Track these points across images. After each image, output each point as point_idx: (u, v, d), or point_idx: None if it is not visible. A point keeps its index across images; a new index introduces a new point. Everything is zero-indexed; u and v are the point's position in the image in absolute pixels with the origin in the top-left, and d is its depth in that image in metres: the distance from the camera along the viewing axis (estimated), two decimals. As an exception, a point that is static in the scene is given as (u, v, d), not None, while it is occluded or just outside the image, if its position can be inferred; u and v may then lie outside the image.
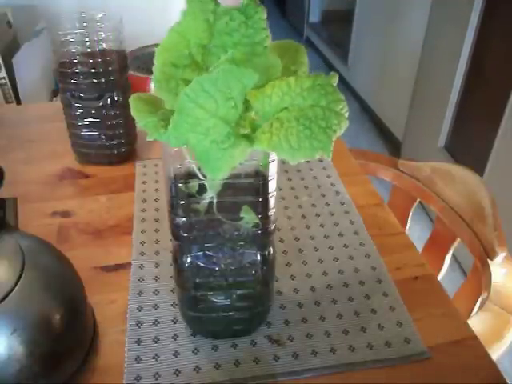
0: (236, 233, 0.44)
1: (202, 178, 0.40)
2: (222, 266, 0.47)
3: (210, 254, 0.46)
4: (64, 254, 0.51)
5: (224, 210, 0.43)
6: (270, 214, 0.44)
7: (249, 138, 0.34)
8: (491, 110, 1.57)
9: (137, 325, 0.53)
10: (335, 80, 0.34)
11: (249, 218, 0.43)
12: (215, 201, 0.42)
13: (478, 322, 0.64)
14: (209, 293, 0.48)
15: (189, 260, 0.47)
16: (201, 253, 0.46)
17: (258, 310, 0.51)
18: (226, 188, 0.42)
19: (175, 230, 0.45)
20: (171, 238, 0.47)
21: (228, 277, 0.47)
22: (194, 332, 0.53)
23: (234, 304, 0.49)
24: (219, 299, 0.49)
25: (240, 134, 0.34)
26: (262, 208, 0.44)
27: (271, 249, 0.48)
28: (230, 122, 0.33)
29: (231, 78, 0.32)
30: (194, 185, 0.42)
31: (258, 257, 0.47)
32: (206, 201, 0.42)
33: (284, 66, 0.36)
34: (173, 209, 0.44)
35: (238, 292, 0.49)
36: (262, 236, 0.46)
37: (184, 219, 0.44)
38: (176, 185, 0.42)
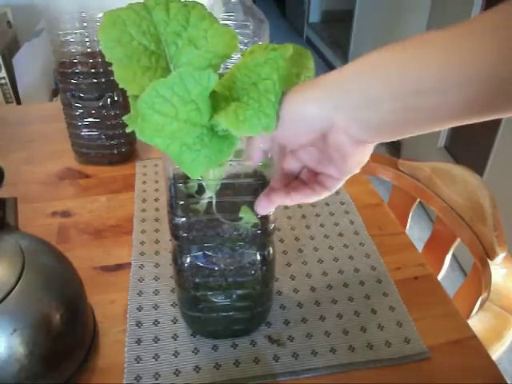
0: (235, 233, 0.44)
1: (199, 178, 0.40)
2: (222, 266, 0.47)
3: (210, 254, 0.46)
4: (64, 254, 0.51)
5: (223, 210, 0.43)
6: (269, 213, 0.44)
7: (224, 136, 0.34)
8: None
9: (137, 325, 0.53)
10: (288, 53, 0.33)
11: (248, 217, 0.43)
12: (214, 201, 0.42)
13: (477, 322, 0.64)
14: (209, 293, 0.48)
15: (188, 260, 0.47)
16: (200, 253, 0.46)
17: (258, 310, 0.51)
18: (225, 188, 0.42)
19: (175, 230, 0.45)
20: (171, 238, 0.47)
21: (228, 277, 0.47)
22: (194, 332, 0.53)
23: (233, 304, 0.49)
24: (219, 299, 0.49)
25: (218, 135, 0.34)
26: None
27: (271, 249, 0.48)
28: (197, 124, 0.32)
29: (188, 80, 0.31)
30: (192, 185, 0.42)
31: (258, 257, 0.47)
32: (205, 201, 0.42)
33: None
34: (172, 209, 0.44)
35: (238, 292, 0.49)
36: (262, 236, 0.46)
37: (183, 219, 0.44)
38: (175, 185, 0.42)
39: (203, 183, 0.41)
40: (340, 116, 0.31)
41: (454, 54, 0.28)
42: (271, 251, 0.48)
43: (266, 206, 0.39)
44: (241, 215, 0.43)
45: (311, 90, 0.32)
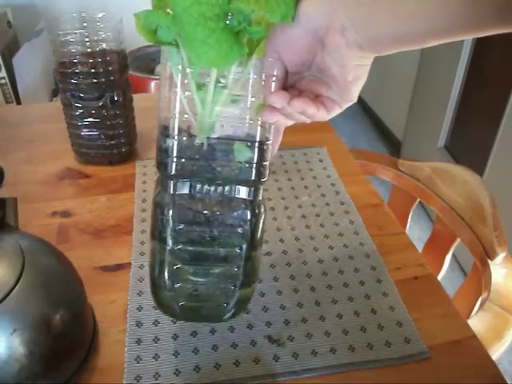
0: (228, 165, 0.41)
1: (192, 118, 0.39)
2: (208, 211, 0.43)
3: (197, 194, 0.42)
4: (64, 254, 0.51)
5: (217, 145, 0.41)
6: (267, 143, 0.42)
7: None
8: (491, 110, 1.56)
9: (137, 325, 0.53)
10: None
11: (242, 152, 0.41)
12: (206, 143, 0.41)
13: (477, 322, 0.64)
14: (189, 247, 0.43)
15: (171, 199, 0.42)
16: (186, 191, 0.42)
17: (241, 280, 0.45)
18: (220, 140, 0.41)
19: (162, 156, 0.41)
20: (156, 170, 0.43)
21: (213, 227, 0.43)
22: (157, 309, 0.49)
23: (214, 269, 0.44)
24: (199, 262, 0.44)
25: (232, 31, 0.35)
26: (256, 140, 0.42)
27: (262, 206, 0.45)
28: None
29: None
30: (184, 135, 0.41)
31: (248, 211, 0.43)
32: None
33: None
34: (163, 130, 0.41)
35: (222, 252, 0.43)
36: (255, 176, 0.42)
37: (175, 140, 0.41)
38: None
39: (196, 127, 0.40)
40: (336, 16, 0.33)
41: None
42: (262, 209, 0.44)
43: (270, 112, 0.39)
44: (235, 149, 0.41)
45: None
